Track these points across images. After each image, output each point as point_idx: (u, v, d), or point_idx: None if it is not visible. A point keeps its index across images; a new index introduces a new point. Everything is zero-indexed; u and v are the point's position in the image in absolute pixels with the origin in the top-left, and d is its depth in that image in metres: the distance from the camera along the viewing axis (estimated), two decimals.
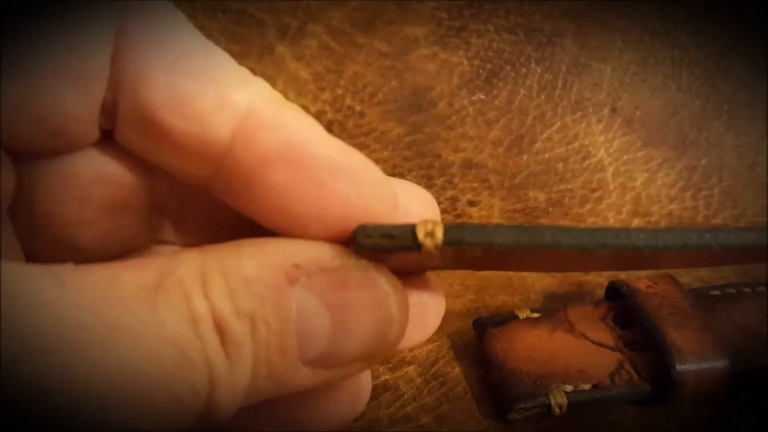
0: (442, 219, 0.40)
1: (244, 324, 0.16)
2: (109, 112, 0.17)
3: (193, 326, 0.15)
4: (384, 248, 0.17)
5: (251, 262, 0.16)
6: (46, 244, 0.19)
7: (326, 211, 0.17)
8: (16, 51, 0.16)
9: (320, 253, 0.17)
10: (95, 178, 0.18)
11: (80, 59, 0.16)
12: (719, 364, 0.29)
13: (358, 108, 0.43)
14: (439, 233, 0.16)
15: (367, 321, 0.17)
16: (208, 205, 0.20)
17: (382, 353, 0.18)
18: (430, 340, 0.33)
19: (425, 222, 0.17)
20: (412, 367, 0.32)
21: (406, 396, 0.31)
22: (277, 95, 0.18)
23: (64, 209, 0.18)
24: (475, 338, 0.32)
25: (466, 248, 0.16)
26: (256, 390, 0.16)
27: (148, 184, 0.19)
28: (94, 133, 0.18)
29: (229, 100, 0.17)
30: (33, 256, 0.19)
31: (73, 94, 0.16)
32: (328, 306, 0.16)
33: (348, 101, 0.43)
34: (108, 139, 0.18)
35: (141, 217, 0.20)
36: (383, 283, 0.17)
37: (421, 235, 0.16)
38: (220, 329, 0.15)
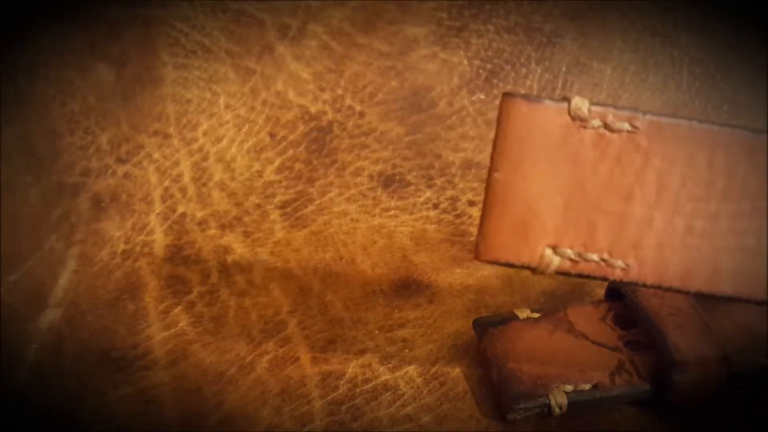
0: (442, 219, 0.40)
1: None
2: None
3: None
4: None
5: None
6: None
7: None
8: None
9: None
10: None
11: None
12: (719, 364, 0.29)
13: (358, 108, 0.43)
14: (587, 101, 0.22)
15: None
16: None
17: None
18: (430, 341, 0.33)
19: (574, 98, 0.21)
20: (412, 367, 0.32)
21: (406, 396, 0.31)
22: None
23: None
24: (475, 338, 0.32)
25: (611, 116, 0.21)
26: None
27: None
28: None
29: None
30: None
31: None
32: None
33: (348, 101, 0.43)
34: None
35: None
36: None
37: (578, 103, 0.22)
38: None
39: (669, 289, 0.25)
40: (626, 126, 0.24)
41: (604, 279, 0.25)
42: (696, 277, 0.25)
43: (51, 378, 0.31)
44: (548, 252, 0.25)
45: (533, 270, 0.25)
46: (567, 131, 0.24)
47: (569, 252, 0.25)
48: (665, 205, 0.24)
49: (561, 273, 0.25)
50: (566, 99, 0.24)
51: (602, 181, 0.24)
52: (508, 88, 0.43)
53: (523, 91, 0.35)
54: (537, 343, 0.31)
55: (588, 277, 0.25)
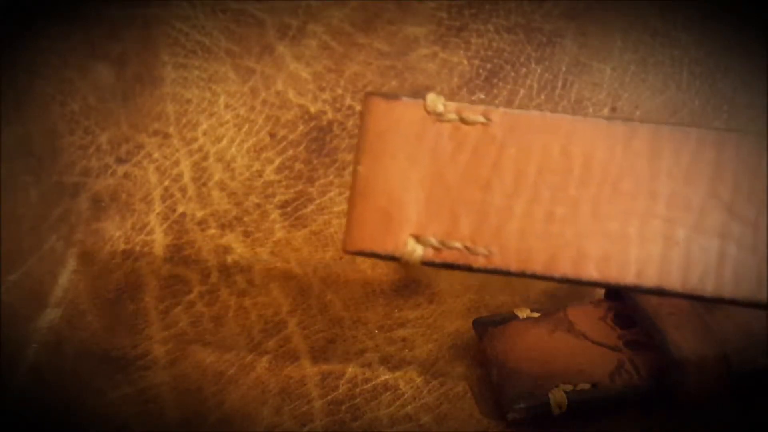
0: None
1: None
2: None
3: None
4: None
5: None
6: None
7: None
8: None
9: None
10: None
11: None
12: (719, 364, 0.29)
13: (358, 108, 0.43)
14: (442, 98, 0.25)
15: None
16: None
17: None
18: (430, 340, 0.33)
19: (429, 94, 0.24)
20: (412, 366, 0.32)
21: (406, 396, 0.31)
22: None
23: None
24: (475, 338, 0.32)
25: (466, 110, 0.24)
26: None
27: None
28: None
29: None
30: None
31: None
32: None
33: (348, 101, 0.43)
34: None
35: None
36: None
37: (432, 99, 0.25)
38: None
39: (533, 276, 0.25)
40: (480, 119, 0.25)
41: (468, 268, 0.25)
42: (560, 264, 0.25)
43: (51, 378, 0.31)
44: (411, 241, 0.25)
45: (398, 260, 0.25)
46: (424, 125, 0.25)
47: (432, 240, 0.25)
48: (523, 193, 0.25)
49: (426, 263, 0.25)
50: (423, 96, 0.25)
51: (461, 172, 0.25)
52: (508, 87, 0.43)
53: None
54: (537, 343, 0.31)
55: (452, 266, 0.25)
